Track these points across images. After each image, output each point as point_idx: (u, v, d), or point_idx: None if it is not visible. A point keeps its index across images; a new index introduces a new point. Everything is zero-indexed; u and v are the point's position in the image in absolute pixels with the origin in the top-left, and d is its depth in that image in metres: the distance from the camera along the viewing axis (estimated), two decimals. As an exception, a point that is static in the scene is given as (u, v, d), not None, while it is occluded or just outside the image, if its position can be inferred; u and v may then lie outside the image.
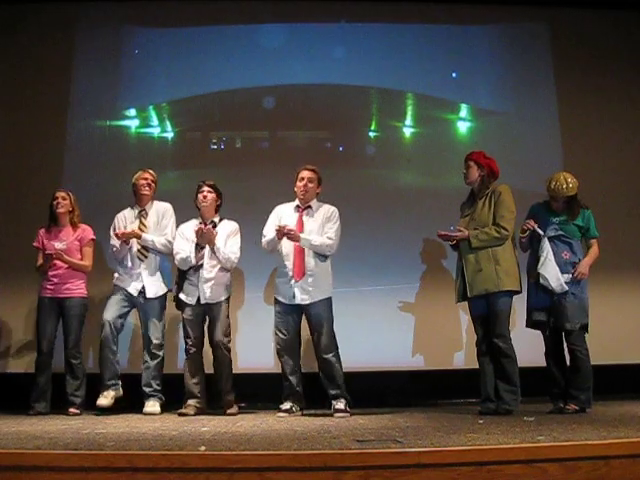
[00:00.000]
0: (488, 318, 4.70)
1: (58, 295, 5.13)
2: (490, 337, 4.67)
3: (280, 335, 4.88)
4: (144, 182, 5.25)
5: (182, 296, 5.02)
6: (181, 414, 4.74)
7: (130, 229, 5.16)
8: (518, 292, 4.74)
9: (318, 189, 5.04)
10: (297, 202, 5.04)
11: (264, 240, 4.97)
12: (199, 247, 4.99)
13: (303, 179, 4.98)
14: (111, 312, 5.06)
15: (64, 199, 5.25)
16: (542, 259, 4.68)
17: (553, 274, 4.63)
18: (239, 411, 4.96)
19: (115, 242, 5.18)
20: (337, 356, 4.83)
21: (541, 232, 4.73)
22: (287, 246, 4.89)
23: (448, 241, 4.90)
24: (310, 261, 4.85)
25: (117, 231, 5.15)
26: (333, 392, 4.79)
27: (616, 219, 6.18)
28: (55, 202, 5.24)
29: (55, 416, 4.78)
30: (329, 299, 4.89)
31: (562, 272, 4.64)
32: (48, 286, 5.14)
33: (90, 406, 5.01)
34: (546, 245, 4.69)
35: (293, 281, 4.82)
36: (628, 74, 6.64)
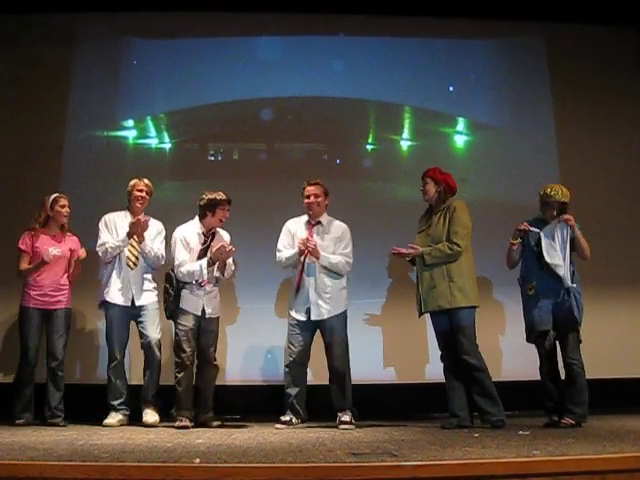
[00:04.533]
0: (450, 334, 4.72)
1: (47, 307, 5.02)
2: (453, 352, 4.71)
3: (292, 348, 4.91)
4: (139, 194, 5.20)
5: (186, 307, 4.91)
6: (181, 427, 4.66)
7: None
8: (475, 307, 4.76)
9: (326, 201, 5.03)
10: (307, 217, 5.04)
11: (282, 256, 4.97)
12: (211, 262, 4.91)
13: (309, 196, 4.97)
14: (119, 343, 5.06)
15: (68, 207, 5.15)
16: (546, 251, 4.66)
17: (559, 259, 4.64)
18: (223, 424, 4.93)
19: (108, 238, 5.11)
20: (349, 369, 4.88)
21: (536, 229, 4.73)
22: (307, 262, 4.91)
23: (402, 258, 4.92)
24: (324, 278, 4.89)
25: (145, 219, 5.07)
26: (340, 404, 4.81)
27: (612, 232, 6.21)
28: (62, 209, 5.11)
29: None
30: (344, 313, 4.94)
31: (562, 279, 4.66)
32: (36, 296, 5.00)
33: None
34: (546, 240, 4.68)
35: (309, 297, 4.86)
36: (624, 88, 6.68)
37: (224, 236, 5.09)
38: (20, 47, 6.37)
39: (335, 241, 4.98)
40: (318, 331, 4.96)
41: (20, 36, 6.39)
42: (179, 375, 4.86)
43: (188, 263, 4.91)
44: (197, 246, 4.97)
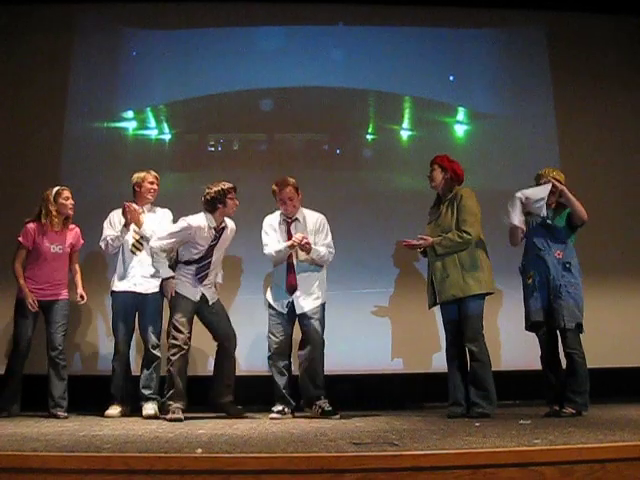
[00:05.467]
0: (459, 323, 4.74)
1: (44, 298, 4.96)
2: (460, 342, 4.72)
3: (273, 339, 4.92)
4: (151, 187, 5.23)
5: (184, 293, 4.82)
6: (176, 419, 4.54)
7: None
8: (489, 294, 4.79)
9: (299, 197, 5.00)
10: (280, 214, 5.02)
11: (272, 249, 4.93)
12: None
13: (284, 201, 4.92)
14: (124, 335, 5.08)
15: (72, 199, 5.07)
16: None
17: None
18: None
19: (111, 232, 5.11)
20: (322, 355, 4.88)
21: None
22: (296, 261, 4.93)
23: (414, 250, 4.91)
24: (308, 271, 4.91)
25: (127, 203, 5.05)
26: (317, 393, 4.83)
27: (613, 221, 6.21)
28: (67, 201, 5.02)
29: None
30: (323, 305, 4.95)
31: (554, 269, 4.64)
32: (32, 289, 4.94)
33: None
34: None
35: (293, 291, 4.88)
36: (625, 77, 6.66)
37: (230, 224, 4.99)
38: (19, 38, 6.34)
39: (314, 233, 4.97)
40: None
41: (19, 27, 6.37)
42: (173, 358, 4.69)
43: (164, 260, 4.82)
44: (206, 242, 4.85)
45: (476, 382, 4.64)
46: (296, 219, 5.00)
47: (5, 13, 6.35)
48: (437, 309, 4.95)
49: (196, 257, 4.85)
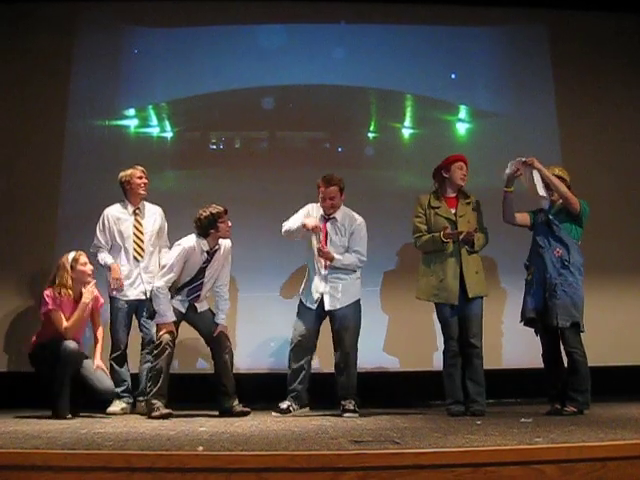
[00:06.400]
0: (459, 321, 4.79)
1: None
2: (461, 339, 4.76)
3: (295, 332, 4.90)
4: (141, 182, 5.24)
5: (176, 304, 4.79)
6: (164, 416, 4.49)
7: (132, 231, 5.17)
8: None
9: (342, 197, 4.98)
10: (322, 211, 4.99)
11: (287, 224, 4.91)
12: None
13: (325, 199, 4.90)
14: (123, 334, 5.11)
15: (90, 264, 4.82)
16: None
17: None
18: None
19: (101, 244, 5.16)
20: (356, 358, 4.88)
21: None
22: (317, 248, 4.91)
23: (451, 239, 4.88)
24: (336, 272, 4.89)
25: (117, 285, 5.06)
26: (344, 392, 4.82)
27: (613, 220, 6.20)
28: (85, 267, 4.74)
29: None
30: (358, 301, 4.93)
31: (552, 268, 4.64)
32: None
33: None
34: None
35: (322, 287, 4.86)
36: (626, 76, 6.65)
37: (224, 243, 4.91)
38: (21, 36, 6.34)
39: (349, 237, 4.94)
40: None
41: (20, 25, 6.37)
42: (162, 355, 4.61)
43: (168, 301, 4.71)
44: (197, 264, 4.80)
45: (478, 379, 4.69)
46: (334, 218, 4.97)
47: (7, 11, 6.34)
48: (430, 306, 4.94)
49: (187, 279, 4.83)
